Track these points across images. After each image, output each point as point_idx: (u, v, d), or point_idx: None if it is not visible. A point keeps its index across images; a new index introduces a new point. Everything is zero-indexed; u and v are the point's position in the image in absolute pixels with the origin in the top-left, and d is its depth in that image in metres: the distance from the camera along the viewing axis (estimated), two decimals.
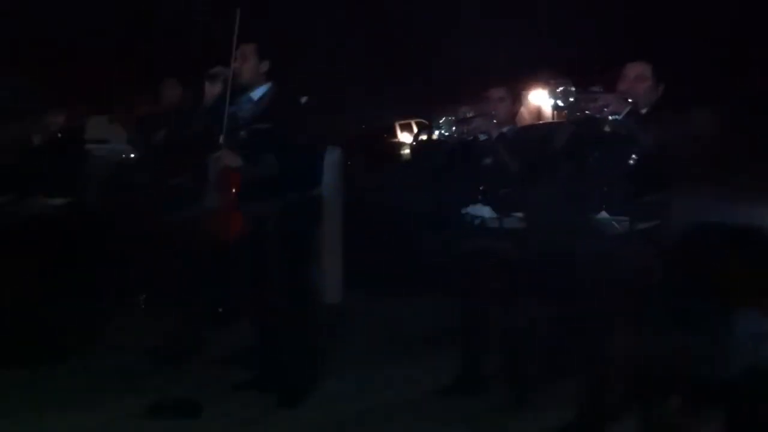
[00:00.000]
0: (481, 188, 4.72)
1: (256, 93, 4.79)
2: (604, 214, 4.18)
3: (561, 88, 4.10)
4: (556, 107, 4.27)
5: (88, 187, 6.41)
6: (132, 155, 8.86)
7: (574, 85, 4.13)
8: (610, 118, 4.05)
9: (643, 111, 4.17)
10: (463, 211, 4.77)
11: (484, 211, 4.69)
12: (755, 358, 4.06)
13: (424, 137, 22.93)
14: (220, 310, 6.01)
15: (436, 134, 4.97)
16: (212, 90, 4.73)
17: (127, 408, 4.65)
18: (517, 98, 4.90)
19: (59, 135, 6.03)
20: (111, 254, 6.73)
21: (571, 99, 4.10)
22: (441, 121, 4.79)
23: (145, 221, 5.79)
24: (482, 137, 4.73)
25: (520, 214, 4.68)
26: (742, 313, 4.30)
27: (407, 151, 21.77)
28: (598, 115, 4.06)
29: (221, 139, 4.69)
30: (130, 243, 6.81)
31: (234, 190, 4.63)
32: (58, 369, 5.30)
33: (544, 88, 4.08)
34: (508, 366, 4.82)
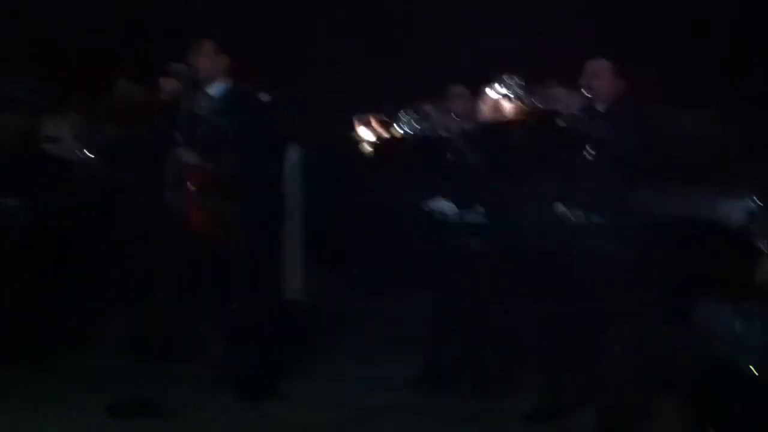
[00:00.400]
0: (442, 184, 4.73)
1: (213, 89, 4.74)
2: (560, 208, 4.22)
3: (509, 81, 4.15)
4: (504, 99, 4.30)
5: (42, 187, 6.29)
6: (88, 154, 8.74)
7: (534, 80, 4.17)
8: (563, 112, 4.09)
9: (602, 106, 4.22)
10: (425, 206, 4.78)
11: (446, 207, 4.71)
12: (722, 352, 4.12)
13: (384, 134, 22.93)
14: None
15: (397, 130, 4.97)
16: (169, 86, 4.69)
17: (92, 408, 4.59)
18: (476, 93, 4.92)
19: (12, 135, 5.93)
20: (70, 254, 6.64)
21: (520, 92, 4.14)
22: (401, 118, 4.80)
23: (105, 219, 5.71)
24: (443, 133, 4.74)
25: (481, 209, 4.71)
26: (706, 307, 4.35)
27: (368, 147, 21.74)
28: (550, 110, 4.10)
29: (179, 136, 4.64)
30: (90, 242, 6.73)
31: (193, 188, 4.58)
32: (24, 371, 5.24)
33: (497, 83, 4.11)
34: (474, 358, 4.84)
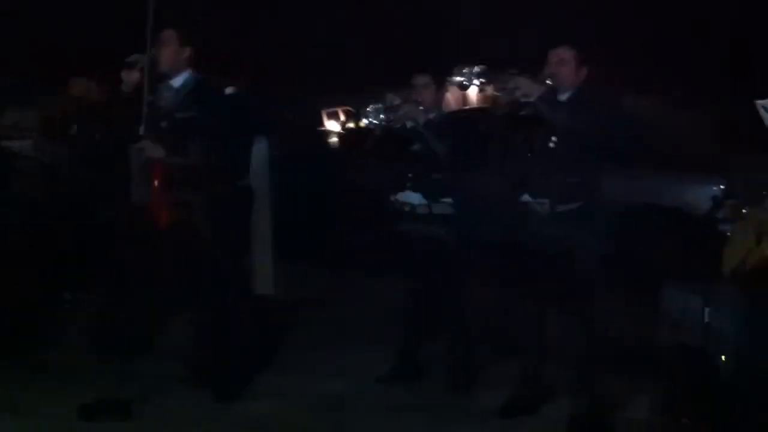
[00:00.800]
0: (409, 175, 4.71)
1: (177, 81, 4.65)
2: (526, 197, 4.23)
3: (466, 69, 4.14)
4: (461, 87, 4.30)
5: (8, 184, 6.20)
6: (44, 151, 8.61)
7: (497, 69, 4.17)
8: (522, 100, 4.09)
9: (565, 94, 4.23)
10: (392, 198, 4.77)
11: (414, 198, 4.69)
12: (683, 334, 4.15)
13: (351, 125, 22.84)
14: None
15: (363, 122, 4.93)
16: (130, 78, 4.59)
17: (61, 408, 4.48)
18: (442, 84, 4.90)
19: None
20: (37, 251, 6.56)
21: (479, 80, 4.13)
22: (368, 109, 4.76)
23: (71, 216, 5.64)
24: (409, 124, 4.72)
25: (449, 200, 4.70)
26: (669, 291, 4.39)
27: (335, 139, 21.66)
28: (513, 99, 4.10)
29: (141, 129, 4.55)
30: (57, 239, 6.64)
31: (157, 182, 4.51)
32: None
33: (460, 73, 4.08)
34: (448, 349, 4.84)
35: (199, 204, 4.60)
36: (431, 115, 4.74)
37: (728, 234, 5.05)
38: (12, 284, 5.78)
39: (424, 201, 4.68)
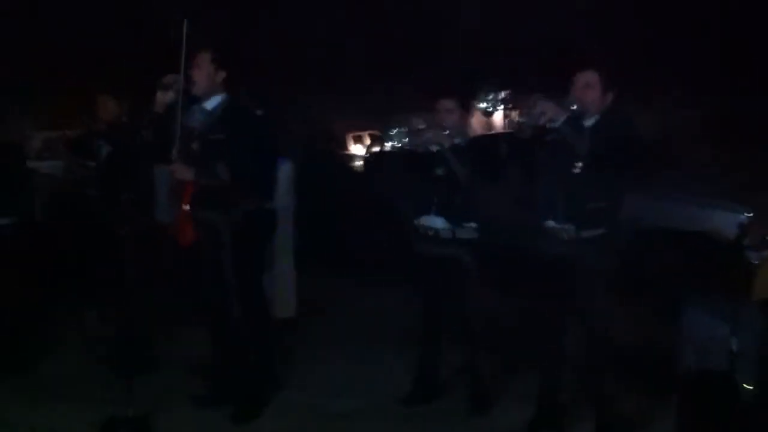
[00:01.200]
0: (434, 199, 4.70)
1: (210, 103, 4.67)
2: (551, 223, 4.22)
3: (491, 95, 4.13)
4: (486, 113, 4.29)
5: (28, 205, 6.27)
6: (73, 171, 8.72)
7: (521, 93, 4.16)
8: (548, 126, 4.07)
9: (591, 119, 4.21)
10: (416, 222, 4.76)
11: (438, 222, 4.68)
12: (706, 358, 4.11)
13: (376, 149, 22.95)
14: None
15: (388, 146, 4.93)
16: (164, 99, 4.60)
17: (81, 421, 4.53)
18: (467, 108, 4.89)
19: None
20: (59, 270, 6.62)
21: (504, 105, 4.13)
22: (392, 133, 4.75)
23: (94, 235, 5.68)
24: (435, 148, 4.70)
25: (473, 224, 4.68)
26: (696, 316, 4.35)
27: (360, 162, 21.79)
28: (536, 123, 4.08)
29: (174, 151, 4.58)
30: (78, 257, 6.70)
31: (186, 204, 4.53)
32: (8, 380, 5.17)
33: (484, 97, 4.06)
34: (468, 368, 4.83)
35: (226, 225, 4.62)
36: (456, 140, 4.73)
37: (756, 262, 5.00)
38: (35, 301, 5.85)
39: (447, 225, 4.67)
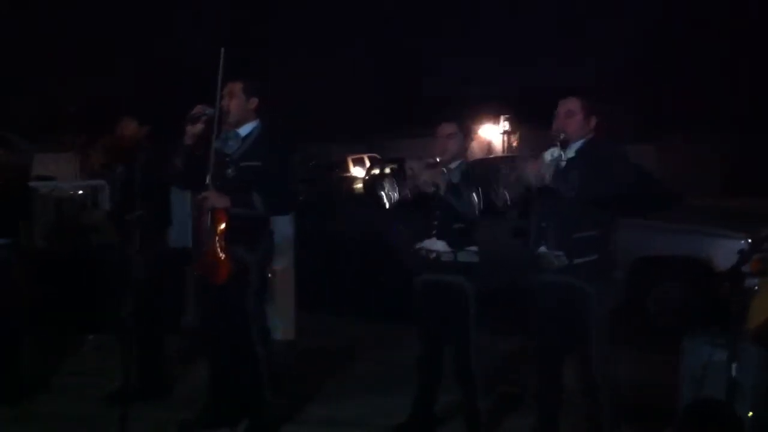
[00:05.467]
0: (435, 223, 4.71)
1: (244, 130, 4.74)
2: (543, 249, 4.26)
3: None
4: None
5: (34, 226, 6.28)
6: (80, 192, 8.76)
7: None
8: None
9: (575, 146, 4.26)
10: (418, 246, 4.77)
11: (438, 245, 4.69)
12: (708, 388, 4.11)
13: (376, 171, 23.05)
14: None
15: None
16: (194, 131, 4.64)
17: None
18: (467, 133, 4.92)
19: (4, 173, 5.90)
20: (62, 293, 6.63)
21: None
22: (392, 178, 4.79)
23: (103, 259, 5.69)
24: (431, 189, 4.69)
25: (474, 248, 4.70)
26: (694, 344, 4.36)
27: (360, 185, 21.87)
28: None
29: (208, 179, 4.60)
30: (83, 281, 6.72)
31: (221, 233, 4.53)
32: (7, 413, 5.16)
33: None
34: (465, 398, 4.80)
35: (258, 255, 4.68)
36: (453, 165, 4.72)
37: (755, 288, 5.01)
38: (35, 325, 5.82)
39: (448, 249, 4.68)
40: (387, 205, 4.67)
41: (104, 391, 5.32)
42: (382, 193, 4.67)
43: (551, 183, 4.13)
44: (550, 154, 4.28)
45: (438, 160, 4.70)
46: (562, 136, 4.21)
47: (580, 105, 4.31)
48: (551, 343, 4.37)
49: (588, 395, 4.29)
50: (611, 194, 4.11)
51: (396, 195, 4.63)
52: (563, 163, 4.14)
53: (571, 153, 4.26)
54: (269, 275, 4.95)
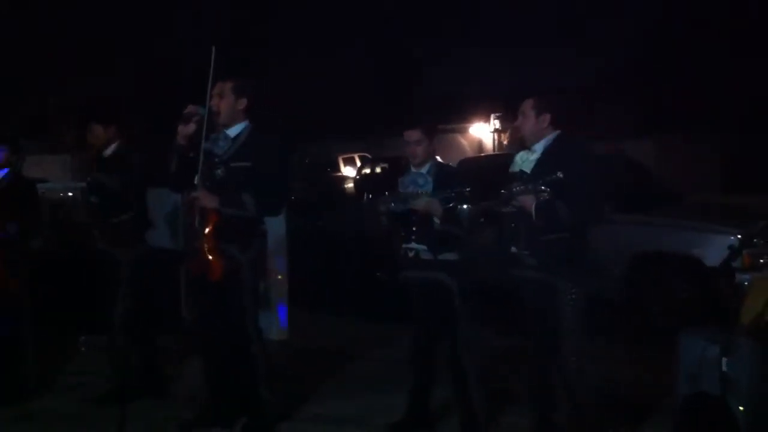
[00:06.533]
0: (413, 228, 4.71)
1: (233, 131, 4.72)
2: (513, 249, 4.38)
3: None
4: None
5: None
6: (70, 194, 8.74)
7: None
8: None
9: (540, 144, 4.34)
10: (404, 246, 4.79)
11: (419, 247, 4.72)
12: (700, 384, 4.13)
13: (367, 171, 23.06)
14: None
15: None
16: (186, 131, 4.61)
17: None
18: (432, 136, 4.85)
19: None
20: (56, 293, 6.61)
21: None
22: (383, 200, 4.81)
23: (94, 259, 5.66)
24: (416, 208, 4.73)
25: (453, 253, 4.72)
26: (686, 339, 4.37)
27: (351, 184, 21.88)
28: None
29: (196, 179, 4.59)
30: (77, 281, 6.70)
31: (212, 232, 4.52)
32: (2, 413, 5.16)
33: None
34: (459, 399, 4.81)
35: (250, 254, 4.65)
36: (424, 170, 4.75)
37: (746, 284, 5.03)
38: (28, 325, 5.80)
39: (428, 251, 4.71)
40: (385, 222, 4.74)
41: (99, 391, 5.32)
42: (383, 217, 4.76)
43: (536, 215, 4.20)
44: (519, 158, 4.43)
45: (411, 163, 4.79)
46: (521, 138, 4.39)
47: (530, 105, 4.40)
48: (535, 340, 4.42)
49: (565, 390, 4.32)
50: (574, 195, 4.14)
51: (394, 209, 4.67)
52: (544, 196, 4.17)
53: (536, 154, 4.36)
54: (263, 275, 4.94)
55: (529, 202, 4.21)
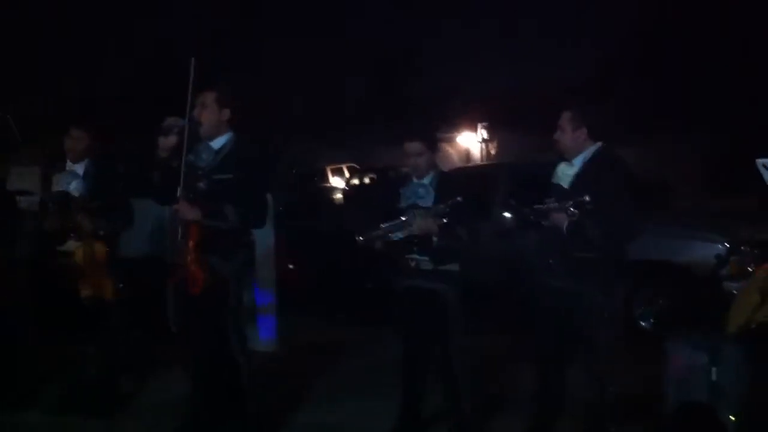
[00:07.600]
0: (414, 241, 4.70)
1: (216, 142, 4.66)
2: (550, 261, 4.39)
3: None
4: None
5: (13, 239, 6.21)
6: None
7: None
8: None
9: (579, 158, 4.33)
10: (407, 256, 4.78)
11: (422, 258, 4.71)
12: (690, 391, 4.14)
13: (356, 182, 23.03)
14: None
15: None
16: (167, 144, 4.56)
17: None
18: (434, 146, 4.84)
19: None
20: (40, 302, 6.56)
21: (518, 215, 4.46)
22: (384, 228, 4.79)
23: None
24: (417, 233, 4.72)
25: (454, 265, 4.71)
26: (675, 347, 4.38)
27: (339, 195, 21.86)
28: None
29: (179, 191, 4.52)
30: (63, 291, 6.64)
31: (194, 245, 4.46)
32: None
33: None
34: (448, 401, 4.81)
35: (234, 267, 4.61)
36: (426, 180, 4.74)
37: (734, 292, 5.04)
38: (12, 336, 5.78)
39: (429, 262, 4.69)
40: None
41: (87, 400, 5.27)
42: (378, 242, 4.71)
43: (568, 234, 4.21)
44: (560, 171, 4.42)
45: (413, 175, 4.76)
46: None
47: (567, 118, 4.37)
48: (540, 346, 4.46)
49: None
50: (613, 212, 4.13)
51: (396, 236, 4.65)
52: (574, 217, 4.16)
53: (575, 168, 4.34)
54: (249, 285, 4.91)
55: (561, 220, 4.20)
